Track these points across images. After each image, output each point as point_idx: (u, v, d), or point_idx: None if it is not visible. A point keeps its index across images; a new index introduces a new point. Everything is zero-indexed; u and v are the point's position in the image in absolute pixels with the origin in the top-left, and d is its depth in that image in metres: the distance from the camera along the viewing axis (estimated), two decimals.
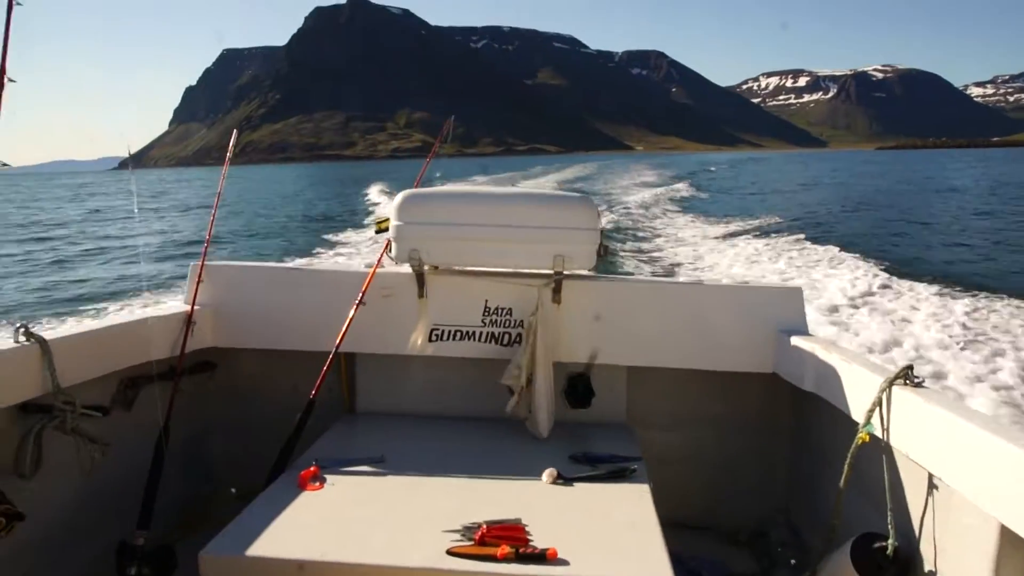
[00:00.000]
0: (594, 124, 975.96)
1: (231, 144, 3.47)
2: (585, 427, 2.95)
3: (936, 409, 1.88)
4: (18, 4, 2.07)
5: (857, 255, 13.38)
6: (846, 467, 2.19)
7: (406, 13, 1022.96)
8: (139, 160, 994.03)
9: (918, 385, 2.06)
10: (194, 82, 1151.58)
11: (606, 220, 19.77)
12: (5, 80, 2.06)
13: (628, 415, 3.14)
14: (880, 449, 2.09)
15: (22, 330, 2.28)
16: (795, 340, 2.76)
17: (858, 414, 2.24)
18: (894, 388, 2.07)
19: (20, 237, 26.12)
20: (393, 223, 2.88)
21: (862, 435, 2.11)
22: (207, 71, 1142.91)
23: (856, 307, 9.09)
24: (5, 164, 1.83)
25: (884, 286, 10.43)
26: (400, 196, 2.91)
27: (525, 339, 2.86)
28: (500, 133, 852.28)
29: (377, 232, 3.00)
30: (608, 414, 3.09)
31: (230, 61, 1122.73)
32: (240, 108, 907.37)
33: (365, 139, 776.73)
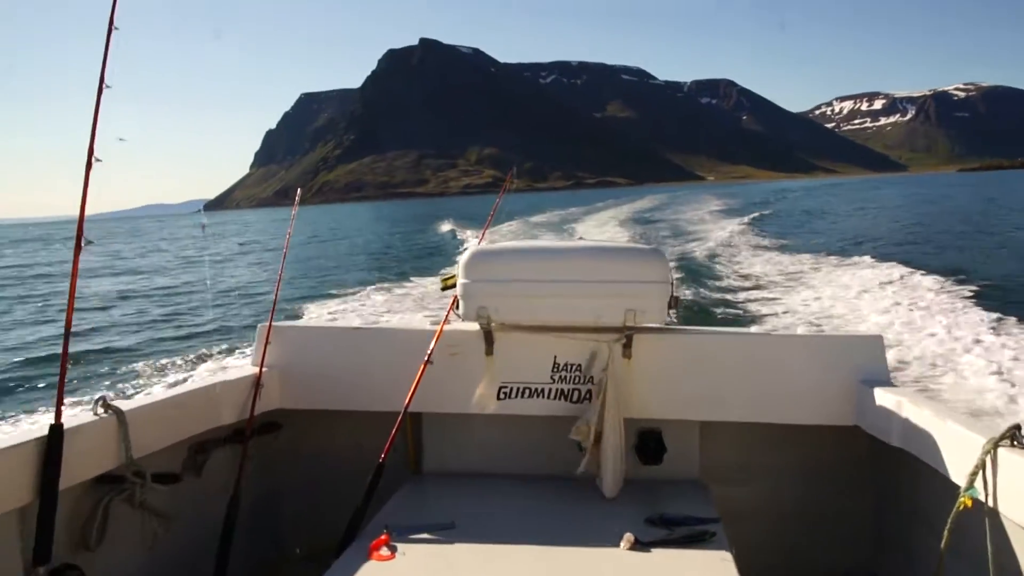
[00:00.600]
0: (664, 155, 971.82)
1: (295, 203, 3.51)
2: (658, 484, 2.88)
3: None
4: (107, 87, 2.13)
5: (954, 289, 12.48)
6: (946, 532, 2.07)
7: (476, 52, 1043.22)
8: (222, 202, 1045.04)
9: None
10: (273, 125, 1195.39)
11: (676, 256, 19.85)
12: (93, 160, 2.14)
13: (701, 471, 3.05)
14: (983, 514, 1.96)
15: (101, 402, 2.32)
16: (879, 391, 2.65)
17: (956, 475, 2.13)
18: (1000, 450, 1.93)
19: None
20: (460, 281, 2.86)
21: (964, 499, 1.98)
22: (285, 115, 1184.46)
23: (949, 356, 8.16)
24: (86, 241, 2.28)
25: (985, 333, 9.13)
26: (467, 253, 2.90)
27: (595, 395, 2.81)
28: (569, 167, 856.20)
29: (443, 289, 2.98)
30: (681, 470, 3.01)
31: (307, 104, 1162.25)
32: (317, 149, 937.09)
33: (437, 176, 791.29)
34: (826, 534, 3.06)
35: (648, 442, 2.99)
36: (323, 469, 3.22)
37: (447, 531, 2.43)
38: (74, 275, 2.19)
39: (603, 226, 37.09)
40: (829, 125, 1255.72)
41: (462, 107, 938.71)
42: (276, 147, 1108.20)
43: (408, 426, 3.10)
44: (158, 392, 2.71)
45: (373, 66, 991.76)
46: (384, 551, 2.24)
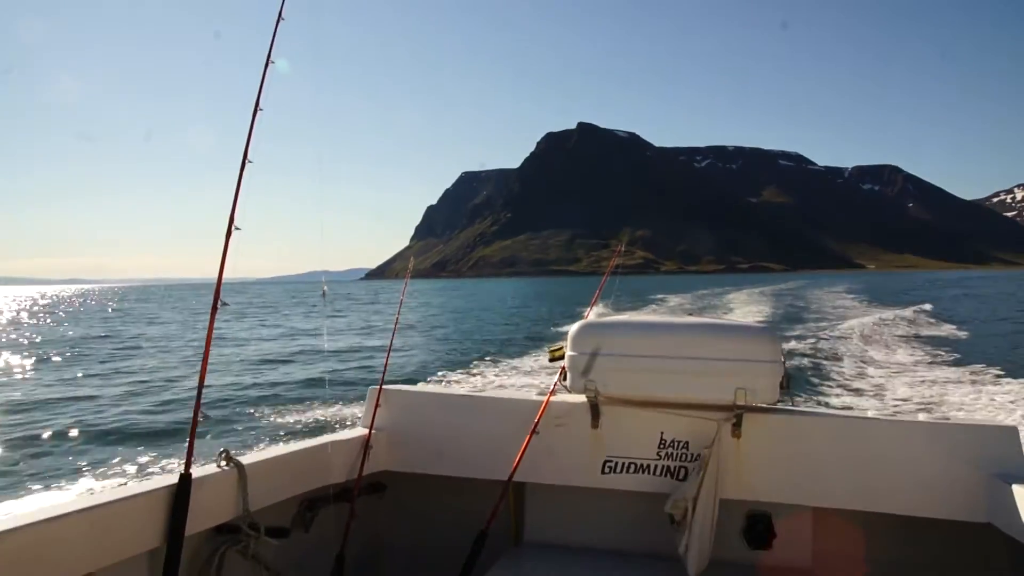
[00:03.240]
0: (821, 242, 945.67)
1: (407, 274, 3.95)
2: (766, 571, 2.78)
3: None
4: (249, 163, 2.27)
5: None
6: None
7: (632, 136, 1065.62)
8: (383, 271, 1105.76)
9: None
10: (435, 201, 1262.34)
11: (805, 342, 20.07)
12: (233, 228, 2.24)
13: (814, 560, 2.90)
14: None
15: (224, 455, 2.39)
16: (1017, 488, 2.44)
17: None
18: None
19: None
20: (568, 353, 2.87)
21: None
22: (446, 192, 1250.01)
23: None
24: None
25: None
26: (576, 326, 2.91)
27: (696, 471, 2.75)
28: (722, 251, 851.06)
29: (551, 360, 3.00)
30: (792, 558, 2.88)
31: (467, 182, 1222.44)
32: (474, 225, 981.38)
33: (589, 255, 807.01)
34: None
35: (757, 525, 2.89)
36: (426, 532, 3.23)
37: None
38: (209, 335, 2.28)
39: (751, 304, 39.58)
40: (1009, 214, 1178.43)
41: (616, 189, 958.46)
42: (436, 221, 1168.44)
43: (511, 495, 3.06)
44: (274, 448, 2.76)
45: (531, 148, 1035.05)
46: None
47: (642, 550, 2.92)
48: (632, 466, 2.89)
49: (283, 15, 2.35)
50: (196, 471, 2.26)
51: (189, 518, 2.16)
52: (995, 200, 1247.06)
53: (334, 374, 18.45)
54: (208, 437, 10.13)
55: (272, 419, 12.08)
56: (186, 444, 2.22)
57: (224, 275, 2.24)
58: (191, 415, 2.23)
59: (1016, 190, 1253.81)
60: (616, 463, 2.91)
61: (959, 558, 2.80)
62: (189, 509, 2.15)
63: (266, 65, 2.32)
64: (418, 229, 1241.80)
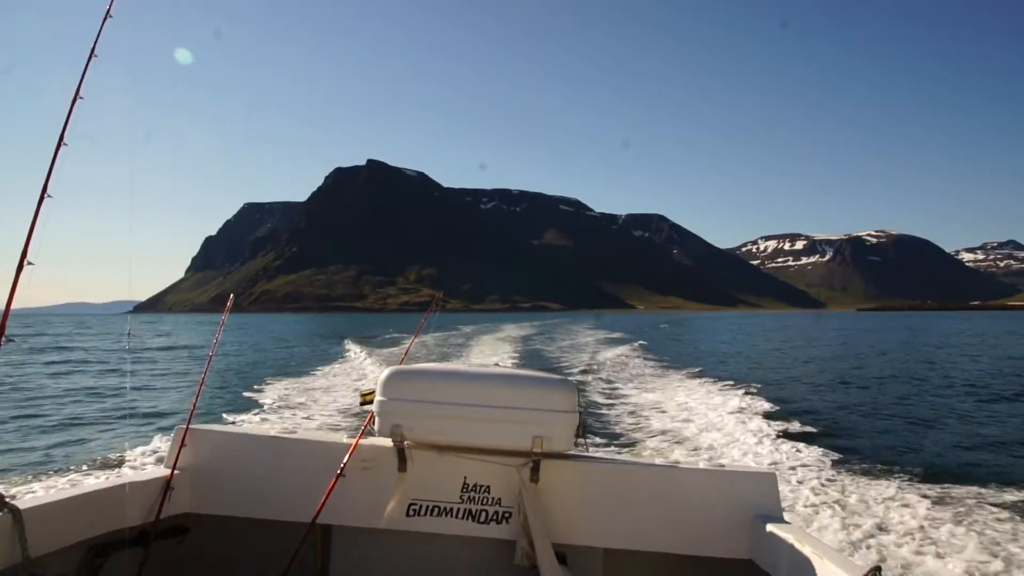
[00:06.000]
0: (597, 283, 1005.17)
1: (226, 309, 3.69)
2: None
3: None
4: (49, 196, 2.18)
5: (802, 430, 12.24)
6: None
7: (421, 175, 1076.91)
8: (154, 305, 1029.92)
9: None
10: (214, 232, 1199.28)
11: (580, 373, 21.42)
12: (25, 263, 2.15)
13: None
14: None
15: None
16: (771, 527, 2.73)
17: None
18: None
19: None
20: (377, 398, 2.92)
21: None
22: (227, 223, 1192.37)
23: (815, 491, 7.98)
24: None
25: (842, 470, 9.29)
26: (386, 372, 2.95)
27: (516, 518, 2.89)
28: (506, 290, 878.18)
29: (361, 404, 3.09)
30: None
31: (250, 214, 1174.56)
32: (257, 258, 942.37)
33: (376, 292, 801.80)
34: None
35: None
36: None
37: None
38: None
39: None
40: (755, 262, 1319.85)
41: (404, 227, 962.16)
42: (215, 253, 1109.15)
43: (317, 538, 3.08)
44: (62, 490, 2.55)
45: (319, 182, 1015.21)
46: None
47: None
48: (436, 509, 2.98)
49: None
50: None
51: None
52: (743, 249, 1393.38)
53: (131, 415, 16.79)
54: None
55: (64, 459, 10.97)
56: None
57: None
58: None
59: (760, 241, 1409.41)
60: (421, 506, 2.99)
61: None
62: None
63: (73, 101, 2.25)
64: (195, 260, 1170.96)
